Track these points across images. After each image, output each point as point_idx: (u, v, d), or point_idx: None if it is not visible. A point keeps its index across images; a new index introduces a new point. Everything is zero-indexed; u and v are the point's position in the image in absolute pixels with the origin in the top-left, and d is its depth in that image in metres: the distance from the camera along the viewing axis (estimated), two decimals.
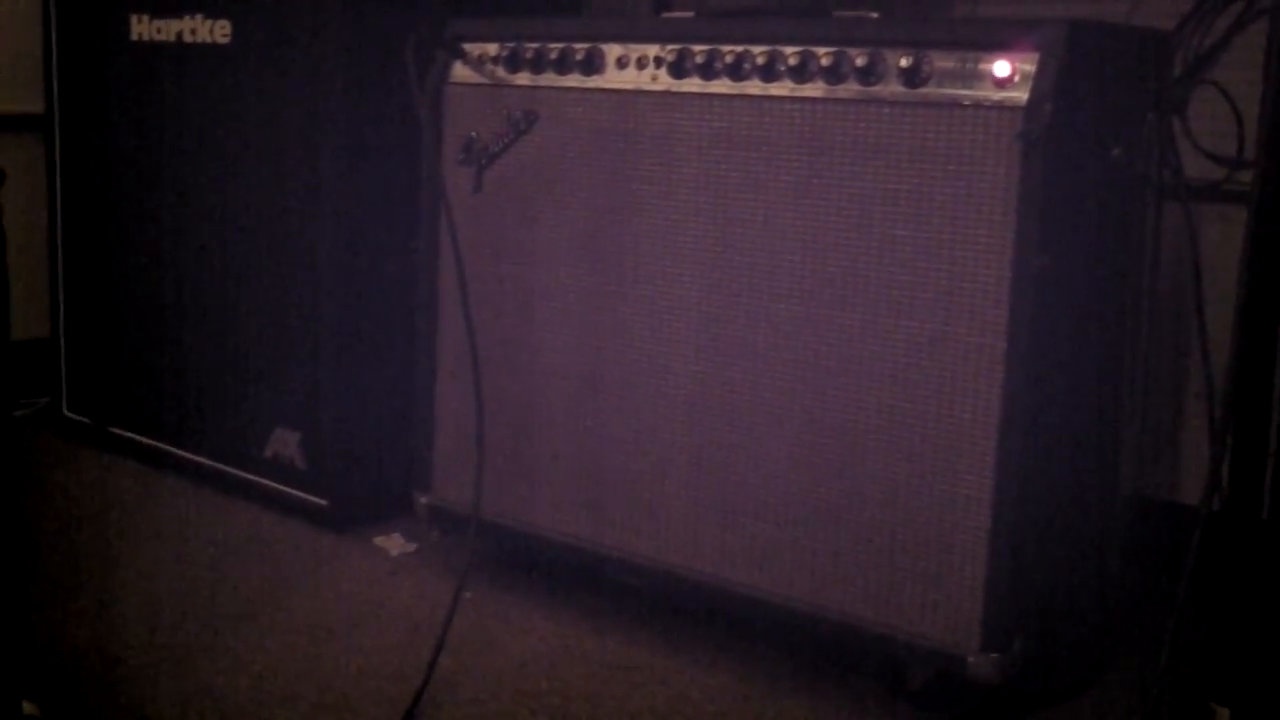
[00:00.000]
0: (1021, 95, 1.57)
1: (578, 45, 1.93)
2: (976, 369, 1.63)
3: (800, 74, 1.73)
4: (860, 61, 1.68)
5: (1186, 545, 1.55)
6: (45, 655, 1.71)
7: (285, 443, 2.41)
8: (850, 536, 1.74)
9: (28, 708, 1.52)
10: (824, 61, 1.71)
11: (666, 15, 2.03)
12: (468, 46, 2.04)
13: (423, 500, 2.15)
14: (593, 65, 1.92)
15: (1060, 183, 1.59)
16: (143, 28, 2.53)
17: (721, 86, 1.80)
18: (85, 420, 2.80)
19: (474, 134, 2.03)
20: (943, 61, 1.63)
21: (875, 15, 1.79)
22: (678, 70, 1.84)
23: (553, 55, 1.95)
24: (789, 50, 1.74)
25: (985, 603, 1.64)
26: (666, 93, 1.85)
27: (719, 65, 1.80)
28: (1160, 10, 2.09)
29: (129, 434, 2.70)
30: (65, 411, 2.84)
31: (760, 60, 1.76)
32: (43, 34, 2.72)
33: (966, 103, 1.61)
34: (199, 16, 2.43)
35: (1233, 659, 1.58)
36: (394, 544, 2.30)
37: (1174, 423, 2.16)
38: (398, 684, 1.81)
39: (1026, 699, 1.78)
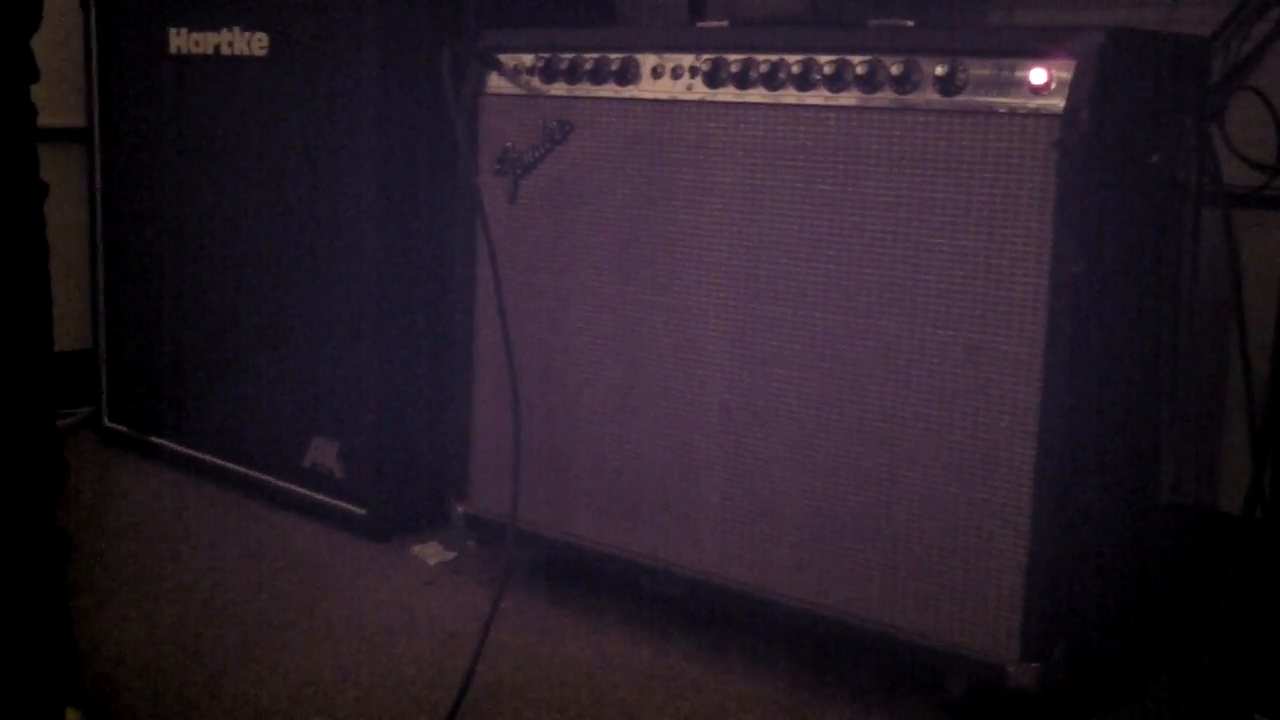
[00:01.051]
0: (1058, 102, 1.57)
1: (613, 55, 1.93)
2: (1014, 378, 1.62)
3: (835, 83, 1.73)
4: (895, 70, 1.68)
5: (1228, 554, 1.53)
6: (88, 663, 1.72)
7: (324, 452, 2.42)
8: (888, 545, 1.73)
9: (71, 715, 1.53)
10: (859, 70, 1.71)
11: (701, 25, 2.03)
12: (503, 57, 2.04)
13: (460, 509, 2.16)
14: (628, 75, 1.92)
15: (1097, 190, 1.59)
16: (181, 40, 2.55)
17: (756, 95, 1.80)
18: (126, 430, 2.82)
19: (509, 144, 2.04)
20: (978, 69, 1.63)
21: (910, 23, 1.79)
22: (712, 80, 1.84)
23: (588, 65, 1.95)
24: (824, 59, 1.74)
25: (1024, 612, 1.63)
26: (701, 102, 1.85)
27: (754, 74, 1.80)
28: (1198, 16, 2.08)
29: (169, 443, 2.72)
30: (106, 421, 2.87)
31: (795, 69, 1.76)
32: (83, 48, 2.75)
33: (1002, 110, 1.61)
34: (236, 29, 2.44)
35: (1276, 669, 1.57)
36: (432, 553, 2.31)
37: (1214, 431, 2.15)
38: (435, 692, 1.82)
39: (1066, 709, 1.77)
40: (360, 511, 2.37)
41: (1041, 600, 1.62)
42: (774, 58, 1.79)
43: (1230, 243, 1.76)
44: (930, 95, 1.66)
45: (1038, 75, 1.58)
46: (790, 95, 1.77)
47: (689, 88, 1.86)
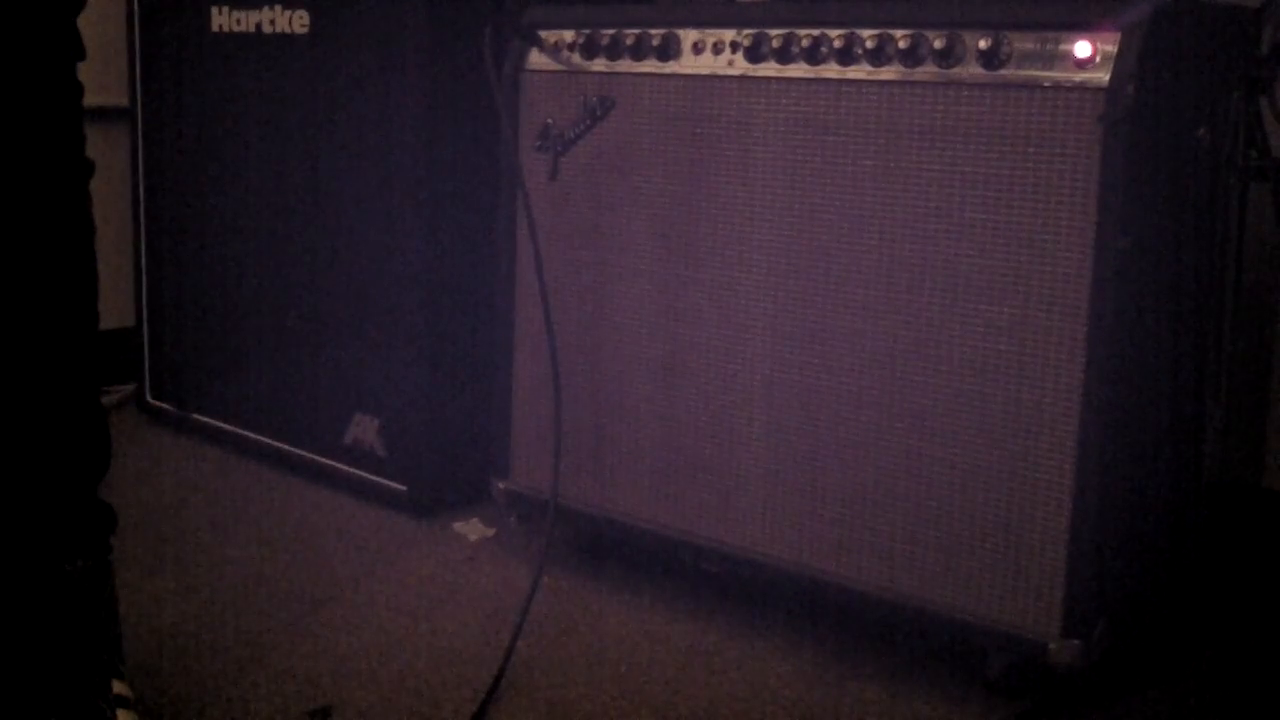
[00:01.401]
0: (1103, 76, 1.55)
1: (654, 31, 1.93)
2: (1057, 353, 1.61)
3: (878, 57, 1.72)
4: (938, 44, 1.67)
5: (1272, 531, 1.52)
6: (131, 636, 1.74)
7: (365, 429, 2.43)
8: (929, 521, 1.73)
9: (117, 687, 1.54)
10: (901, 44, 1.70)
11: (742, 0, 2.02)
12: (544, 34, 2.04)
13: (501, 486, 2.17)
14: (669, 51, 1.91)
15: (1143, 165, 1.57)
16: (223, 19, 2.56)
17: (798, 71, 1.80)
18: (169, 407, 2.84)
19: (550, 121, 2.04)
20: (1022, 43, 1.62)
21: None
22: (754, 55, 1.83)
23: (629, 41, 1.95)
24: (866, 33, 1.73)
25: (1066, 588, 1.63)
26: (743, 77, 1.85)
27: (795, 49, 1.80)
28: None
29: (212, 420, 2.74)
30: (149, 399, 2.89)
31: (837, 44, 1.75)
32: (125, 27, 2.77)
33: (1047, 84, 1.60)
34: (278, 7, 2.45)
35: None
36: (473, 529, 2.31)
37: (1260, 408, 2.13)
38: (477, 667, 1.82)
39: (1107, 686, 1.76)
40: (401, 488, 2.39)
41: (1083, 577, 1.61)
42: (815, 32, 1.78)
43: (1278, 217, 1.74)
44: (974, 69, 1.65)
45: (1082, 49, 1.57)
46: (832, 70, 1.77)
47: (730, 63, 1.86)
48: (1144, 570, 1.76)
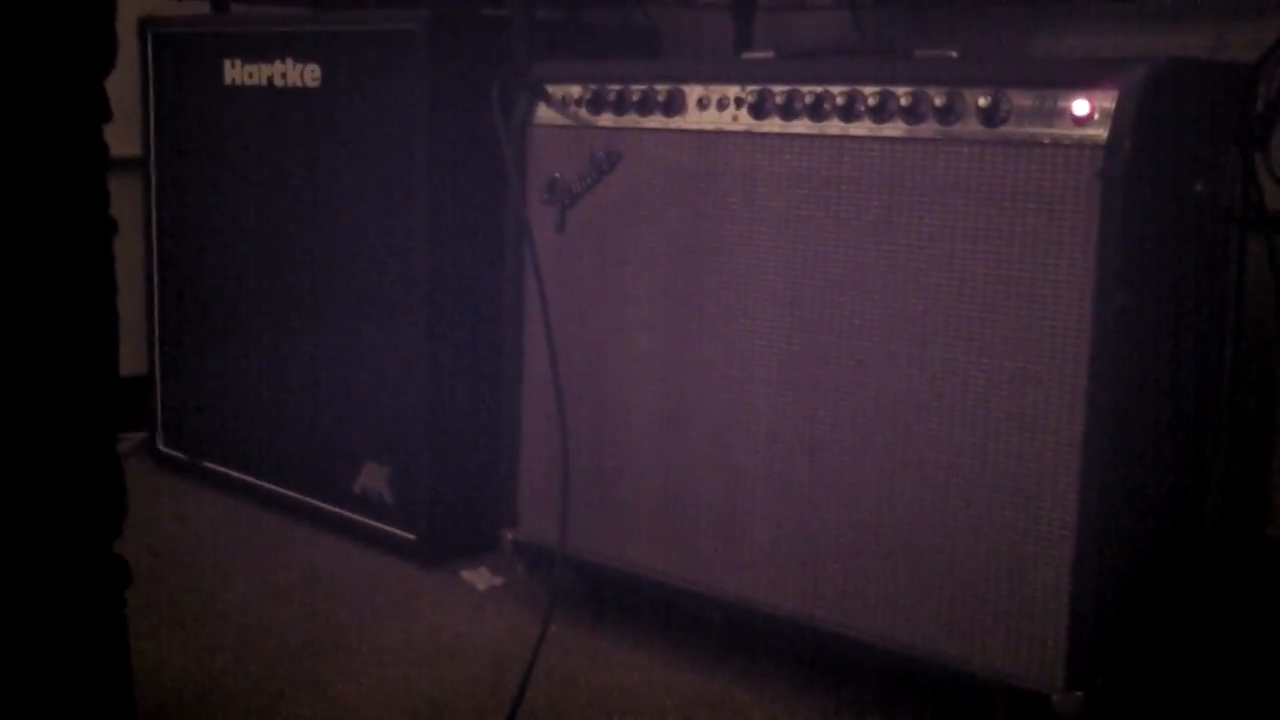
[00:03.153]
0: (1101, 133, 1.58)
1: (659, 86, 1.96)
2: (1059, 406, 1.63)
3: (880, 114, 1.75)
4: (939, 101, 1.69)
5: (1276, 579, 1.53)
6: (141, 686, 1.75)
7: (375, 478, 2.45)
8: (933, 572, 1.74)
9: None
10: (903, 101, 1.72)
11: (747, 56, 2.05)
12: (551, 88, 2.07)
13: (509, 536, 2.18)
14: (674, 106, 1.94)
15: (1141, 218, 1.60)
16: (235, 72, 2.60)
17: (801, 126, 1.82)
18: (180, 455, 2.86)
19: (558, 174, 2.06)
20: (1021, 100, 1.64)
21: (954, 54, 1.80)
22: (758, 111, 1.86)
23: (635, 96, 1.98)
24: (868, 90, 1.76)
25: (1069, 640, 1.64)
26: (747, 133, 1.87)
27: (799, 105, 1.82)
28: (1245, 42, 2.08)
29: (222, 468, 2.76)
30: (161, 446, 2.91)
31: (840, 100, 1.78)
32: (139, 79, 2.80)
33: (1046, 141, 1.62)
34: (290, 61, 2.49)
35: None
36: (481, 578, 2.33)
37: (1263, 456, 2.14)
38: (484, 716, 1.84)
39: None
40: (410, 537, 2.40)
41: (1086, 628, 1.63)
42: (818, 89, 1.80)
43: (1275, 268, 1.76)
44: (974, 126, 1.67)
45: (1080, 106, 1.59)
46: (835, 126, 1.79)
47: (734, 119, 1.89)
48: (1147, 620, 1.77)
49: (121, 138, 2.79)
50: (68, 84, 1.46)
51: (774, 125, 1.85)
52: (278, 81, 2.52)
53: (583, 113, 2.04)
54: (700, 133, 1.92)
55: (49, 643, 1.52)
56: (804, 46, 2.51)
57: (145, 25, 2.78)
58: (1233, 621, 1.98)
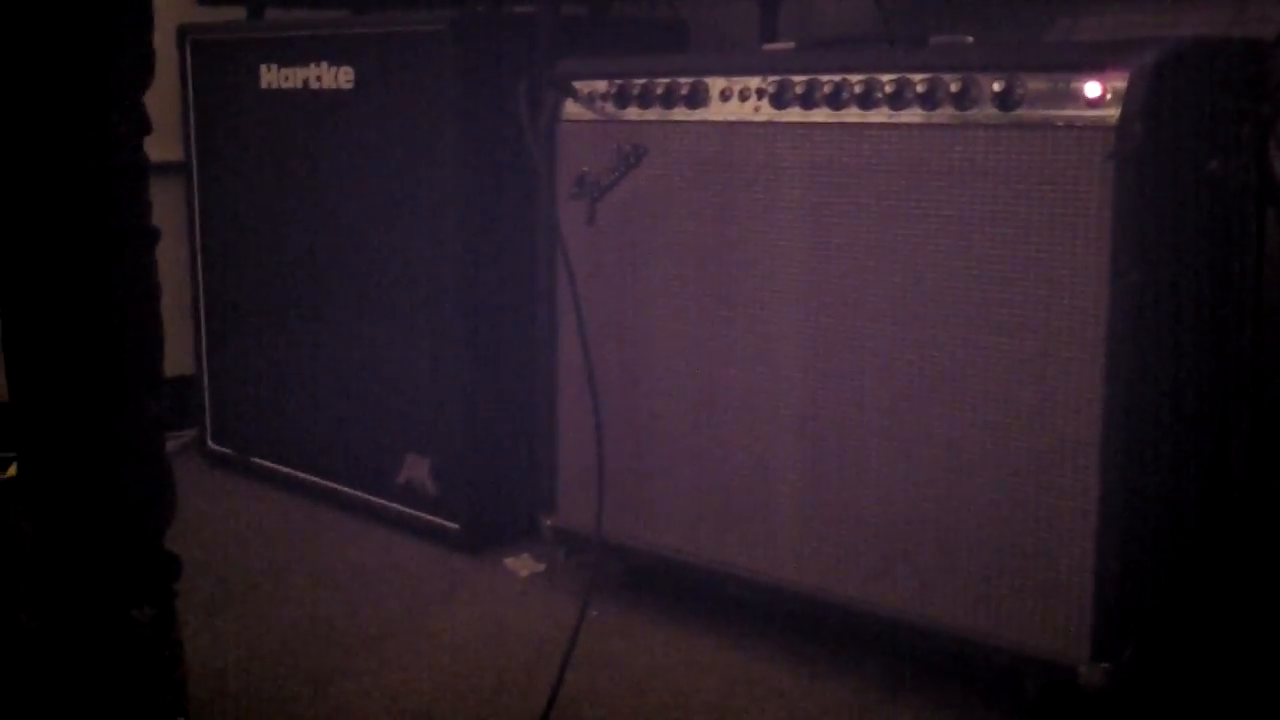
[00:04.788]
0: (1113, 114, 1.60)
1: (683, 80, 1.99)
2: (1077, 385, 1.65)
3: (897, 101, 1.78)
4: (955, 87, 1.72)
5: None
6: (193, 675, 1.81)
7: (417, 469, 2.50)
8: (959, 549, 1.77)
9: None
10: (919, 88, 1.75)
11: (768, 47, 2.09)
12: (578, 84, 2.11)
13: (548, 523, 2.23)
14: (697, 99, 1.98)
15: (1155, 198, 1.62)
16: (271, 76, 2.65)
17: (821, 115, 1.85)
18: (229, 451, 2.93)
19: (586, 169, 2.10)
20: (1035, 84, 1.67)
21: (971, 40, 1.83)
22: (779, 101, 1.89)
23: (659, 90, 2.02)
24: (885, 78, 1.79)
25: (1094, 613, 1.67)
26: (769, 123, 1.91)
27: (818, 95, 1.85)
28: (1265, 16, 2.08)
29: (270, 463, 2.83)
30: (210, 444, 2.98)
31: (858, 89, 1.81)
32: (179, 86, 2.87)
33: (1059, 124, 1.65)
34: (324, 64, 2.54)
35: None
36: (523, 565, 2.38)
37: None
38: (527, 700, 1.88)
39: (1140, 706, 1.80)
40: (453, 526, 2.45)
41: (1110, 600, 1.66)
42: (837, 78, 1.84)
43: None
44: (989, 110, 1.70)
45: (1092, 88, 1.62)
46: (854, 114, 1.82)
47: (756, 109, 1.92)
48: (1173, 591, 1.80)
49: (163, 143, 2.85)
50: (108, 101, 1.52)
51: (794, 115, 1.88)
52: (313, 84, 2.57)
53: (609, 107, 2.08)
54: (723, 124, 1.95)
55: (103, 635, 1.58)
56: (824, 36, 2.54)
57: (184, 33, 2.84)
58: (1262, 585, 2.00)
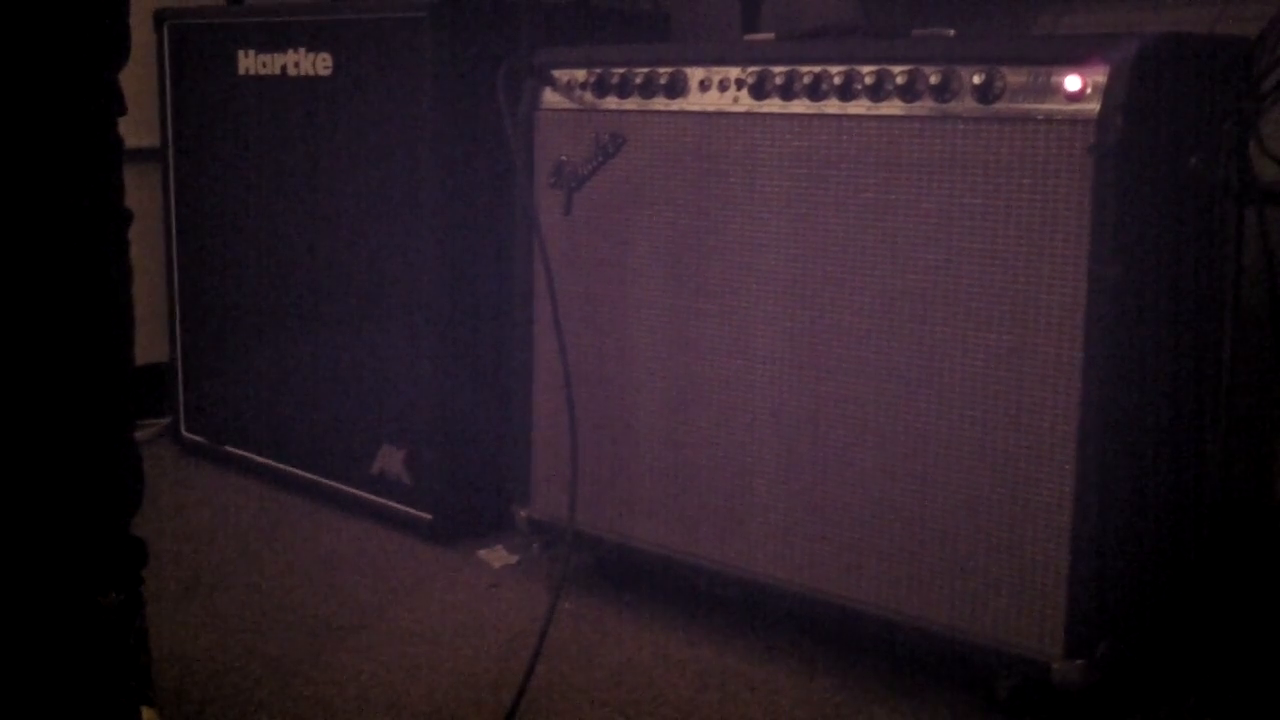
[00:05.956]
0: (1093, 108, 1.60)
1: (662, 70, 1.98)
2: (1055, 379, 1.65)
3: (876, 92, 1.77)
4: (934, 79, 1.72)
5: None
6: (161, 663, 1.79)
7: (391, 459, 2.49)
8: (934, 545, 1.77)
9: (147, 714, 1.60)
10: (899, 80, 1.75)
11: (748, 38, 2.07)
12: (556, 73, 2.10)
13: (522, 514, 2.22)
14: (676, 88, 1.97)
15: (1134, 193, 1.61)
16: (249, 62, 2.63)
17: (800, 106, 1.85)
18: (202, 440, 2.91)
19: (563, 158, 2.09)
20: (1015, 77, 1.66)
21: (951, 32, 1.82)
22: (758, 91, 1.88)
23: (638, 80, 2.00)
24: (865, 70, 1.78)
25: (1067, 609, 1.66)
26: (748, 113, 1.90)
27: (797, 86, 1.84)
28: (1247, 14, 2.08)
29: (244, 452, 2.81)
30: (184, 432, 2.96)
31: (837, 80, 1.80)
32: (156, 72, 2.84)
33: (1039, 117, 1.64)
34: (302, 50, 2.52)
35: None
36: (496, 557, 2.37)
37: (1266, 427, 2.15)
38: (498, 692, 1.87)
39: (1113, 706, 1.79)
40: (427, 516, 2.44)
41: (1084, 597, 1.65)
42: (816, 69, 1.83)
43: (1266, 242, 1.77)
44: (968, 103, 1.69)
45: (1072, 82, 1.61)
46: (833, 105, 1.81)
47: (735, 100, 1.91)
48: (1148, 587, 1.79)
49: (140, 128, 2.84)
50: (82, 79, 1.50)
51: (774, 105, 1.87)
52: (290, 71, 2.55)
53: (587, 96, 2.07)
54: (702, 114, 1.94)
55: (68, 619, 1.57)
56: (805, 27, 2.53)
57: (161, 17, 2.82)
58: (1238, 584, 2.00)
